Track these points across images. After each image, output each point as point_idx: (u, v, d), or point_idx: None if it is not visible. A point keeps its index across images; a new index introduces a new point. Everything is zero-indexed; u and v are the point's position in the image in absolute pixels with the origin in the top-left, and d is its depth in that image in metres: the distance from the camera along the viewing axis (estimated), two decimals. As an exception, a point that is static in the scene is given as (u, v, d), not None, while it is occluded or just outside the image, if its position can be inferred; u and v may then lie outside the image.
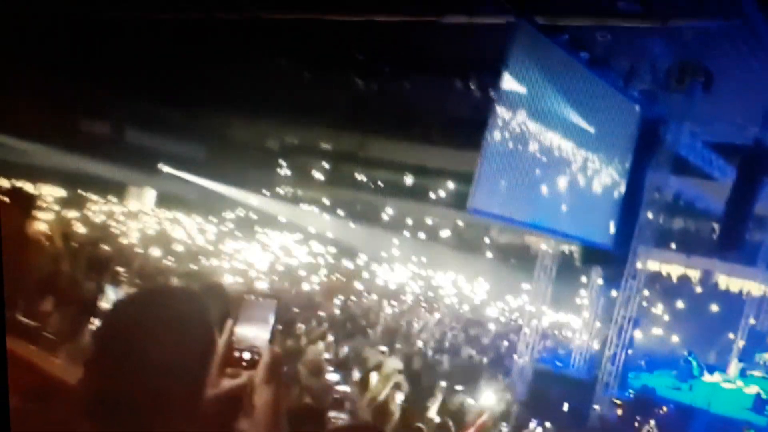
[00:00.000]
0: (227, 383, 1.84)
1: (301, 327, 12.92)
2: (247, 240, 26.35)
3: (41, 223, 16.69)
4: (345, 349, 12.61)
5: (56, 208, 21.55)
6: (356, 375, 10.46)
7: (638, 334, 17.16)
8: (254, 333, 1.90)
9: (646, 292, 19.16)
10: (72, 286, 9.42)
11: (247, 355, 1.88)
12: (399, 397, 9.75)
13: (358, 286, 22.52)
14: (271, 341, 1.90)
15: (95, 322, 5.58)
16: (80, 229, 18.91)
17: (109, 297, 6.60)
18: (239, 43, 17.08)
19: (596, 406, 14.95)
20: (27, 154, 22.26)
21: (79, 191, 26.30)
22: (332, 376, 10.03)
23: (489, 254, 28.29)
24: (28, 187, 20.48)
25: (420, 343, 15.98)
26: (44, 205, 20.71)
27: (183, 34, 17.60)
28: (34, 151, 22.64)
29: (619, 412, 15.25)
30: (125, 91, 24.16)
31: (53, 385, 2.34)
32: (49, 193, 24.21)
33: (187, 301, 1.81)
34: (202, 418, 1.72)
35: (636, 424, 14.50)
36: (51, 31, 17.96)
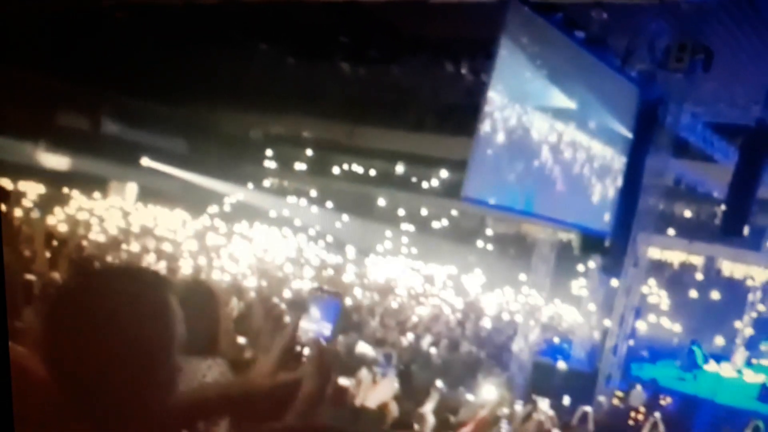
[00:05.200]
0: (282, 376, 1.92)
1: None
2: (233, 234, 25.94)
3: (21, 221, 16.35)
4: (337, 346, 12.19)
5: (36, 205, 21.12)
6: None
7: (640, 324, 16.78)
8: (317, 328, 1.97)
9: (647, 281, 18.80)
10: (52, 284, 9.04)
11: (308, 351, 1.96)
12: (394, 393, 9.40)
13: (349, 280, 22.13)
14: (333, 337, 1.97)
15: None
16: (61, 226, 18.52)
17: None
18: (219, 29, 16.65)
19: (600, 399, 14.57)
20: (4, 150, 21.81)
21: (60, 187, 25.86)
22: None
23: (485, 244, 27.87)
24: (6, 183, 20.05)
25: (416, 338, 15.65)
26: (23, 202, 20.33)
27: (161, 22, 17.15)
28: (12, 147, 22.22)
29: (623, 404, 14.91)
30: (103, 83, 23.74)
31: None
32: (29, 189, 23.75)
33: (140, 279, 1.80)
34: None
35: (640, 416, 14.17)
36: (27, 24, 17.53)
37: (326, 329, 1.97)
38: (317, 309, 1.98)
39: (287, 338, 1.97)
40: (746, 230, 15.16)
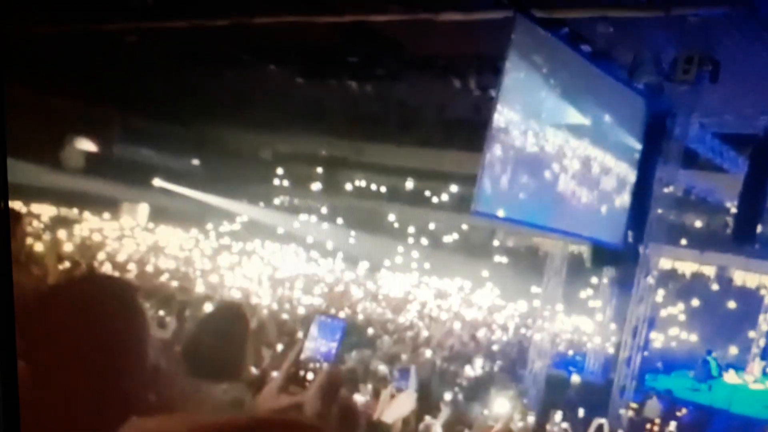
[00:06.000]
0: (285, 400, 1.90)
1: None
2: (245, 253, 26.00)
3: (34, 243, 16.43)
4: (351, 362, 12.22)
5: (49, 227, 21.22)
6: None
7: (654, 335, 16.70)
8: (321, 353, 1.96)
9: (659, 291, 18.73)
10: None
11: (311, 376, 1.94)
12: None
13: (361, 296, 22.13)
14: (336, 361, 1.96)
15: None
16: (74, 247, 18.59)
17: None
18: (228, 51, 16.76)
19: (615, 411, 14.51)
20: (17, 172, 21.92)
21: (72, 209, 25.99)
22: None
23: (497, 258, 27.84)
24: (18, 205, 20.16)
25: (429, 353, 15.62)
26: (36, 224, 20.41)
27: (171, 45, 17.29)
28: (24, 169, 22.32)
29: (638, 415, 14.85)
30: (115, 105, 23.87)
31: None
32: (41, 211, 23.87)
33: (104, 286, 1.83)
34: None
35: (656, 428, 14.12)
36: (40, 47, 17.68)
37: (331, 352, 1.98)
38: (322, 332, 2.00)
39: (291, 362, 1.97)
40: (757, 239, 15.15)
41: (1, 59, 1.42)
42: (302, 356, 1.96)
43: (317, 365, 1.95)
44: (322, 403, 1.89)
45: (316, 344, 1.97)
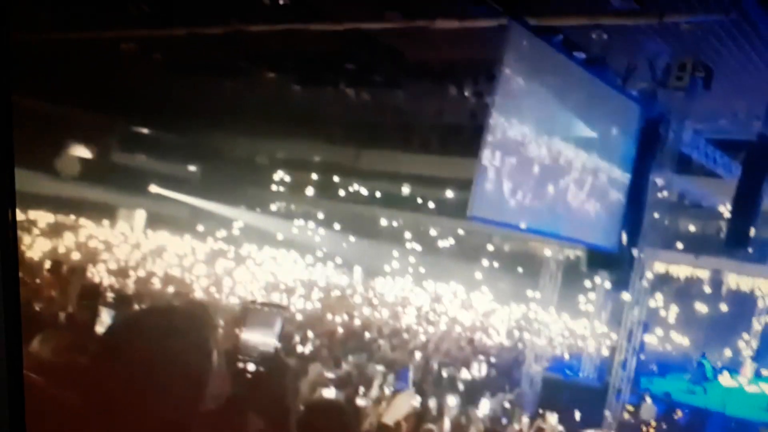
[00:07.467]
0: (228, 392, 1.87)
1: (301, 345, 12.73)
2: (241, 259, 26.03)
3: (30, 251, 16.50)
4: (347, 367, 12.31)
5: (46, 234, 21.24)
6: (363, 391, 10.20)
7: (649, 338, 16.78)
8: (259, 343, 1.87)
9: (654, 295, 18.82)
10: (63, 312, 9.14)
11: (251, 367, 1.86)
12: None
13: (358, 301, 22.19)
14: (276, 352, 1.89)
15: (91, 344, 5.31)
16: (71, 254, 18.63)
17: (104, 321, 6.27)
18: (224, 58, 16.82)
19: (608, 413, 14.60)
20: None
21: (69, 216, 25.98)
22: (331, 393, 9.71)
23: (493, 262, 27.90)
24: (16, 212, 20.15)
25: (425, 357, 15.69)
26: (33, 231, 20.43)
27: (168, 52, 17.35)
28: (20, 176, 22.29)
29: (633, 418, 14.94)
30: (112, 112, 23.87)
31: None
32: (38, 219, 23.87)
33: (188, 318, 1.91)
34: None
35: (651, 430, 14.21)
36: (36, 54, 17.71)
37: (269, 343, 1.88)
38: (257, 323, 1.89)
39: (227, 354, 1.89)
40: (751, 243, 15.24)
41: (8, 71, 1.39)
42: (240, 347, 1.87)
43: (257, 356, 1.87)
44: (268, 395, 1.87)
45: (254, 335, 1.88)
